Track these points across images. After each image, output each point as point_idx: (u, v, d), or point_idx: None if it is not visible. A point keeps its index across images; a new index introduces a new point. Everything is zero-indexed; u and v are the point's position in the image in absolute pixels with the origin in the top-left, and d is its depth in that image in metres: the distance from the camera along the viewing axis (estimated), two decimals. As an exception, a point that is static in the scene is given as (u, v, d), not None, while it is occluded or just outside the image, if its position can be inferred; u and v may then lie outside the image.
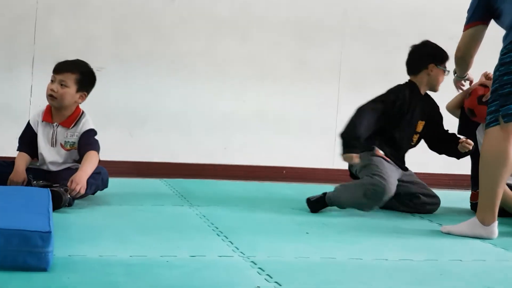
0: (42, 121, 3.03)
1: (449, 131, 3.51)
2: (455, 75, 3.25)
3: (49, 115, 3.02)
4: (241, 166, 4.42)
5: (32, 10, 4.01)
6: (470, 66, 3.05)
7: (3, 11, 3.98)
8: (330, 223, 2.92)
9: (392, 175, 3.12)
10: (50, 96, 2.96)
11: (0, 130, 3.97)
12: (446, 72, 3.38)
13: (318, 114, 4.50)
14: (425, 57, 3.37)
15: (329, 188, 3.28)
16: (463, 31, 2.91)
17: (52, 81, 2.98)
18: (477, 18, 2.84)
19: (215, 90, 4.35)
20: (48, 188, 2.65)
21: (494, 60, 2.76)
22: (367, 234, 2.72)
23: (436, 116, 3.48)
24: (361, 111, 3.17)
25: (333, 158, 4.39)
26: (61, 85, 2.95)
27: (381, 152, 3.24)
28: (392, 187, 3.06)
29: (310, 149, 4.49)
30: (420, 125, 3.40)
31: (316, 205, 3.16)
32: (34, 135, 3.03)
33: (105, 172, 3.04)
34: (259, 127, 4.43)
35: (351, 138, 3.07)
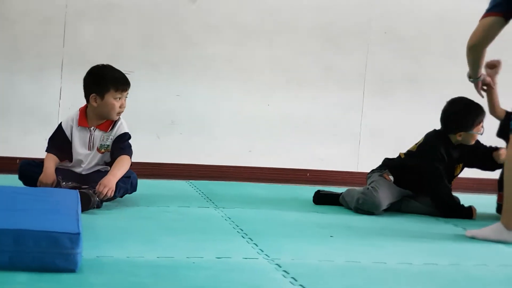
0: (78, 126, 3.04)
1: (482, 147, 3.51)
2: (470, 79, 3.18)
3: (84, 120, 3.03)
4: (266, 168, 4.44)
5: (62, 14, 4.08)
6: (481, 62, 2.96)
7: (33, 14, 4.06)
8: (354, 226, 2.93)
9: (386, 192, 3.25)
10: (120, 113, 3.00)
11: (30, 131, 4.06)
12: (480, 133, 3.40)
13: (343, 118, 4.51)
14: (454, 124, 3.38)
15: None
16: (480, 19, 2.80)
17: (119, 98, 2.98)
18: (500, 10, 2.72)
19: (240, 94, 4.39)
20: (77, 190, 2.69)
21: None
22: (391, 238, 2.72)
23: (471, 153, 3.47)
24: (439, 178, 3.31)
25: (357, 162, 4.40)
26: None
27: (389, 177, 3.34)
28: (381, 201, 3.22)
29: (334, 152, 4.50)
30: (458, 169, 3.48)
31: (325, 198, 3.42)
32: (65, 139, 3.05)
33: (135, 176, 3.07)
34: (284, 131, 4.45)
35: (458, 208, 3.33)
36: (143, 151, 3.97)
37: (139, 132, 3.93)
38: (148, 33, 4.22)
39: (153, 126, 4.24)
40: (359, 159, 4.46)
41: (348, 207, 3.34)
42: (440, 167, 3.32)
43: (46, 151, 3.05)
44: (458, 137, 3.37)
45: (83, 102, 3.09)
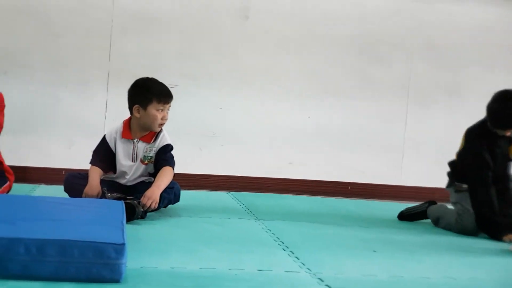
0: (122, 138, 3.09)
1: None
2: None
3: (128, 132, 3.08)
4: (306, 180, 4.44)
5: (107, 29, 4.17)
6: None
7: (80, 29, 4.16)
8: (396, 240, 2.90)
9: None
10: (162, 124, 3.05)
11: (76, 143, 4.14)
12: None
13: (385, 130, 4.48)
14: (501, 122, 3.20)
15: (396, 205, 3.25)
16: None
17: (162, 110, 3.03)
18: None
19: (280, 106, 4.40)
20: (122, 201, 2.72)
21: None
22: (435, 252, 2.68)
23: None
24: (480, 186, 3.14)
25: (400, 175, 4.36)
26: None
27: (463, 186, 3.25)
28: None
29: (376, 165, 4.46)
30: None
31: (414, 216, 3.40)
32: (109, 151, 3.10)
33: (178, 187, 3.10)
34: (324, 143, 4.44)
35: (490, 223, 3.10)
36: (186, 162, 4.02)
37: (182, 143, 3.98)
38: (189, 47, 4.28)
39: (195, 138, 4.29)
40: (402, 172, 4.41)
41: (437, 225, 3.34)
42: (484, 173, 3.14)
43: (90, 163, 3.10)
44: (507, 133, 3.20)
45: (127, 114, 3.14)
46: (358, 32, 4.48)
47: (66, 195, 3.08)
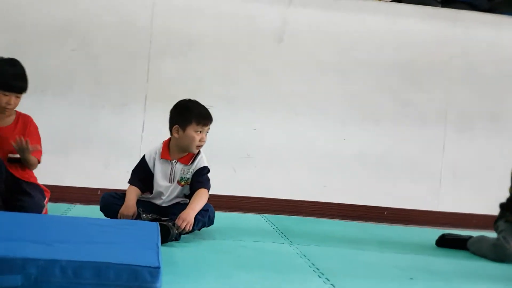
0: (160, 158, 3.10)
1: None
2: None
3: (167, 153, 3.10)
4: (341, 204, 4.39)
5: (146, 50, 4.22)
6: None
7: (119, 50, 4.21)
8: (435, 269, 2.83)
9: None
10: (200, 146, 3.07)
11: (113, 163, 4.17)
12: None
13: (422, 156, 4.42)
14: None
15: (433, 231, 3.18)
16: None
17: (200, 131, 3.04)
18: None
19: (316, 129, 4.39)
20: (157, 222, 2.72)
21: None
22: (475, 282, 2.61)
23: None
24: None
25: (438, 201, 4.29)
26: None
27: None
28: None
29: (413, 191, 4.40)
30: None
31: (450, 242, 3.35)
32: (148, 171, 3.12)
33: (212, 210, 3.10)
34: (360, 167, 4.40)
35: None
36: (220, 184, 4.01)
37: (216, 164, 3.97)
38: (226, 69, 4.30)
39: (229, 159, 4.29)
40: (439, 198, 4.34)
41: (475, 254, 3.28)
42: None
43: (128, 182, 3.12)
44: None
45: (164, 136, 3.16)
46: (398, 57, 4.44)
47: (101, 215, 3.10)
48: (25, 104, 4.02)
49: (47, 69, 4.16)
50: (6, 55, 4.05)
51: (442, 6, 4.56)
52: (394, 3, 4.49)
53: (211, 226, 3.15)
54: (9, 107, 3.00)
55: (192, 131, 3.02)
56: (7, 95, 2.98)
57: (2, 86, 2.97)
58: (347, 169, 4.40)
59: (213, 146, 3.95)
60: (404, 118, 4.44)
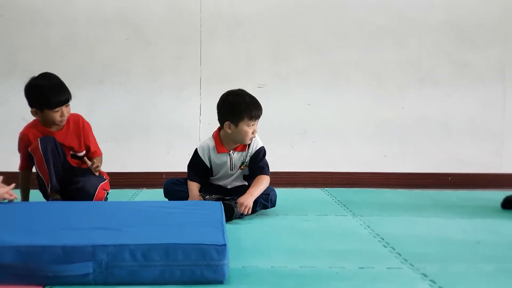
0: (217, 153, 3.13)
1: None
2: None
3: (221, 146, 3.12)
4: (402, 173, 4.35)
5: (197, 34, 4.26)
6: None
7: (170, 36, 4.27)
8: (502, 231, 2.79)
9: None
10: (252, 138, 3.10)
11: (173, 147, 4.26)
12: None
13: (483, 117, 4.33)
14: None
15: (498, 193, 3.13)
16: None
17: (252, 125, 3.06)
18: None
19: (372, 98, 4.34)
20: (221, 201, 2.78)
21: None
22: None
23: None
24: None
25: (501, 163, 4.20)
26: None
27: None
28: None
29: (476, 153, 4.32)
30: None
31: None
32: (204, 167, 3.14)
33: (274, 193, 3.15)
34: (420, 133, 4.34)
35: None
36: (278, 160, 4.05)
37: (273, 142, 4.02)
38: (276, 45, 4.30)
39: (286, 136, 4.31)
40: (502, 159, 4.25)
41: None
42: None
43: (188, 179, 3.15)
44: None
45: (221, 117, 3.19)
46: (451, 17, 4.34)
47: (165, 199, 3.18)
48: (85, 96, 4.16)
49: (103, 59, 4.26)
50: (62, 48, 4.18)
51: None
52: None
53: (273, 207, 3.20)
54: (64, 119, 3.00)
55: (245, 126, 3.03)
56: (57, 111, 2.96)
57: (47, 105, 2.93)
58: (406, 137, 4.35)
59: (269, 125, 3.99)
60: (461, 79, 4.35)
